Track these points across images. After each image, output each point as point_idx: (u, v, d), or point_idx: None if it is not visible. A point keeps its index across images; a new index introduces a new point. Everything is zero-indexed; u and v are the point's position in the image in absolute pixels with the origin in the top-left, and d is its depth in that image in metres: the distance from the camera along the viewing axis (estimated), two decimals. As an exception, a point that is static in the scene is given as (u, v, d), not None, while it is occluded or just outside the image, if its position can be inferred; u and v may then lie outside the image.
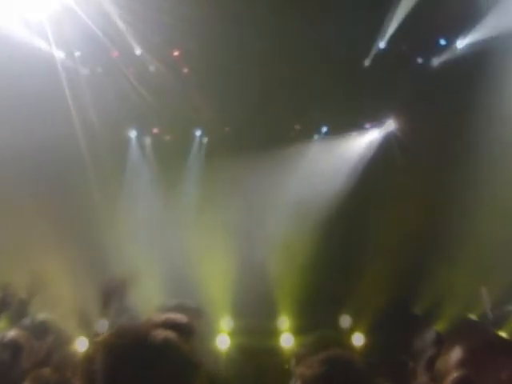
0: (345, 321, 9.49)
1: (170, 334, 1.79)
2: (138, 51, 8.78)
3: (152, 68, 8.80)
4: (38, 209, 8.35)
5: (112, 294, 3.86)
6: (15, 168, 8.18)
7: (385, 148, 9.67)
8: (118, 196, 9.42)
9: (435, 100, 8.79)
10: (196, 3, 7.68)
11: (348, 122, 9.67)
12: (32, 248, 8.00)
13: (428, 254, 8.88)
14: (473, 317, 6.91)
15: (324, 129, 9.93)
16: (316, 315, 8.74)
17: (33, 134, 7.91)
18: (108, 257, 8.15)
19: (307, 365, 2.64)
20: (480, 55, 8.51)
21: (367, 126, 9.87)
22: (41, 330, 3.66)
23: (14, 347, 3.43)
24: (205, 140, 9.94)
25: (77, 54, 8.66)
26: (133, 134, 9.86)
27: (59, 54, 8.41)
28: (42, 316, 3.80)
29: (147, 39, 8.52)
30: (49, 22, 7.82)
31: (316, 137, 10.00)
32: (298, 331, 9.32)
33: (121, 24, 8.09)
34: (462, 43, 8.99)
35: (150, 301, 7.71)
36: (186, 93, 8.68)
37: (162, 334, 1.77)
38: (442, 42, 9.12)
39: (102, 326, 3.62)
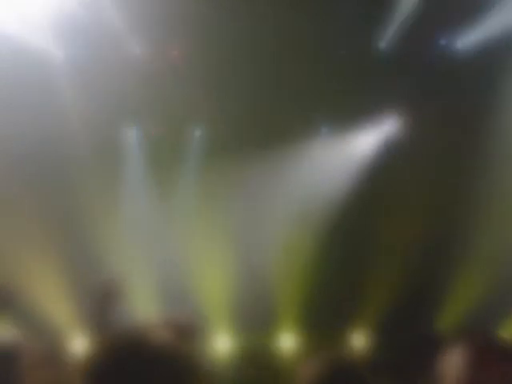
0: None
1: (169, 336, 1.82)
2: (137, 50, 8.79)
3: (152, 67, 8.76)
4: (31, 207, 8.36)
5: (111, 297, 3.85)
6: (7, 166, 8.21)
7: (388, 148, 9.59)
8: (114, 195, 9.31)
9: (439, 99, 8.78)
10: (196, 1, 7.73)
11: (350, 122, 9.59)
12: (25, 247, 8.06)
13: (436, 256, 8.78)
14: (506, 335, 6.42)
15: (325, 129, 9.85)
16: (319, 318, 8.78)
17: (28, 132, 7.97)
18: (104, 257, 8.18)
19: (308, 366, 2.64)
20: (481, 55, 8.58)
21: (370, 125, 9.76)
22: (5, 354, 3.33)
23: (10, 352, 3.30)
24: (204, 139, 9.83)
25: (74, 52, 8.62)
26: (131, 132, 9.77)
27: (58, 54, 8.45)
28: (8, 334, 3.51)
29: (146, 37, 8.55)
30: (47, 22, 7.85)
31: (318, 136, 9.87)
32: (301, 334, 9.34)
33: (119, 22, 8.11)
34: (463, 43, 9.02)
35: (145, 304, 7.88)
36: (185, 93, 8.63)
37: (161, 335, 1.78)
38: (443, 41, 9.13)
39: (101, 327, 3.59)
